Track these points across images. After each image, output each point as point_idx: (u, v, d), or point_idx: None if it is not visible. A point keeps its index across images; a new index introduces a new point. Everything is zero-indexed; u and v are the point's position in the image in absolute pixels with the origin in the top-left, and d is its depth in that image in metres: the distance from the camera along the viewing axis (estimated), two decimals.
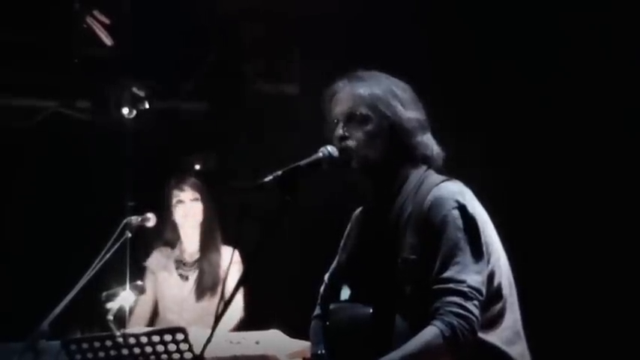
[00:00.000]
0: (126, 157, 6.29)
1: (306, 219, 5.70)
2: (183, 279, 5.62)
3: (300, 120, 4.69)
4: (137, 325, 5.23)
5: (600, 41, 5.50)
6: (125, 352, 3.76)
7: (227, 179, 6.76)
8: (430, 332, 2.99)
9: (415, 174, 3.23)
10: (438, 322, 2.99)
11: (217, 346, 4.05)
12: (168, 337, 3.73)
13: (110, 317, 4.29)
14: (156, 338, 3.75)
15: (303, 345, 4.25)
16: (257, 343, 4.50)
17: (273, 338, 4.57)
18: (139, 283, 4.79)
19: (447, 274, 3.04)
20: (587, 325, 5.44)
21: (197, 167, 6.99)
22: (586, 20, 5.52)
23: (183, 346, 3.72)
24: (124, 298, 4.50)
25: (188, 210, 5.56)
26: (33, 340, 4.18)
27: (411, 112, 3.22)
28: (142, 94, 6.30)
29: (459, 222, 3.08)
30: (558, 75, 5.65)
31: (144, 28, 6.32)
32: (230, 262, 3.37)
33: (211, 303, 5.49)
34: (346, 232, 3.44)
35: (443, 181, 3.18)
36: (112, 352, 3.76)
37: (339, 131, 3.20)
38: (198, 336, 3.50)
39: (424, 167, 3.24)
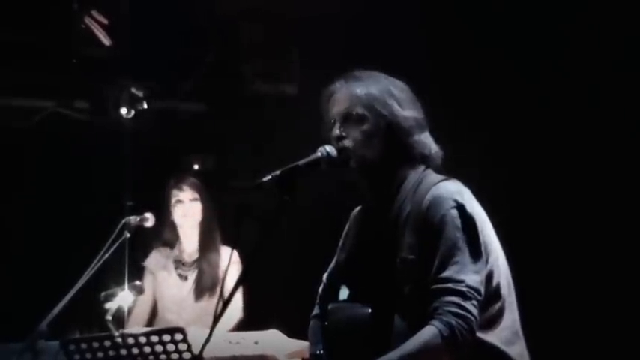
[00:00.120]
0: (124, 157, 6.30)
1: (304, 219, 5.70)
2: (182, 279, 5.62)
3: (299, 120, 4.68)
4: (136, 325, 5.23)
5: (600, 41, 5.50)
6: (124, 352, 3.75)
7: (226, 179, 6.77)
8: (429, 332, 2.99)
9: (414, 173, 3.23)
10: (436, 322, 2.99)
11: (216, 346, 4.05)
12: (166, 337, 3.72)
13: (109, 317, 4.28)
14: (154, 338, 3.74)
15: (301, 345, 4.25)
16: (256, 343, 4.50)
17: (272, 338, 4.57)
18: (138, 283, 4.79)
19: (446, 273, 3.04)
20: (586, 325, 5.44)
21: (196, 167, 6.99)
22: (586, 20, 5.52)
23: (182, 346, 3.72)
24: (122, 298, 4.50)
25: (187, 210, 5.56)
26: (32, 340, 4.17)
27: (408, 112, 3.22)
28: (140, 94, 6.30)
29: (458, 222, 3.08)
30: (558, 74, 5.65)
31: (142, 29, 6.33)
32: (229, 262, 3.35)
33: (210, 303, 5.49)
34: (345, 232, 3.44)
35: (441, 181, 3.18)
36: (111, 352, 3.75)
37: (336, 131, 3.21)
38: (197, 336, 3.49)
39: (422, 167, 3.24)
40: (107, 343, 3.76)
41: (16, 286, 6.54)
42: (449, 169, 3.28)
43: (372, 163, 3.19)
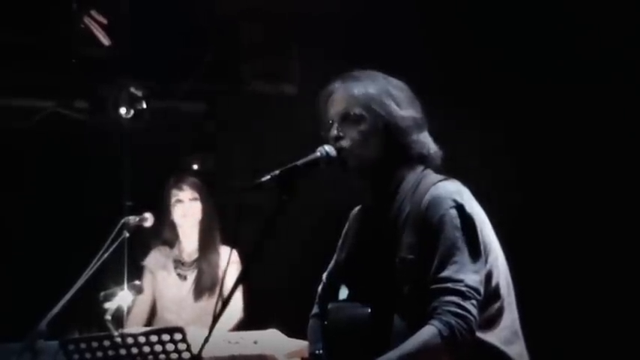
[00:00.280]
0: (124, 156, 6.30)
1: (304, 218, 5.70)
2: (181, 279, 5.62)
3: (299, 120, 4.68)
4: (135, 325, 5.23)
5: (600, 41, 5.49)
6: (123, 352, 3.75)
7: (225, 179, 6.77)
8: (428, 332, 2.99)
9: (412, 173, 3.22)
10: (435, 322, 2.99)
11: (215, 346, 4.06)
12: (166, 337, 3.72)
13: (108, 317, 4.28)
14: (154, 338, 3.74)
15: (301, 344, 4.25)
16: (255, 342, 4.50)
17: (271, 338, 4.57)
18: (137, 282, 4.79)
19: (445, 273, 3.04)
20: (586, 325, 5.44)
21: (195, 167, 6.99)
22: (586, 20, 5.52)
23: (182, 346, 3.72)
24: (121, 297, 4.50)
25: (187, 209, 5.56)
26: (31, 340, 4.17)
27: (406, 111, 3.21)
28: (140, 94, 6.30)
29: (457, 221, 3.08)
30: (558, 74, 5.65)
31: (142, 28, 6.33)
32: (228, 262, 3.36)
33: (210, 303, 5.49)
34: (344, 231, 3.44)
35: (440, 181, 3.18)
36: (110, 352, 3.76)
37: (334, 131, 3.20)
38: (196, 336, 3.49)
39: (421, 166, 3.24)
40: (106, 342, 3.76)
41: (16, 285, 6.53)
42: (448, 169, 3.27)
43: (371, 163, 3.19)
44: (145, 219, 5.12)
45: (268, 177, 3.04)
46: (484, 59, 5.84)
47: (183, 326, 3.99)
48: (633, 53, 5.38)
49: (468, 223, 3.08)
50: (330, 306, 3.28)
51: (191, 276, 5.60)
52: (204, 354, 2.95)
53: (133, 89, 6.31)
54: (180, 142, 7.12)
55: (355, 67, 3.31)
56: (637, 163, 5.40)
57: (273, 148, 6.48)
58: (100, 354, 3.76)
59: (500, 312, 3.14)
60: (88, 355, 3.76)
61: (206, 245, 5.59)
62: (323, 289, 3.46)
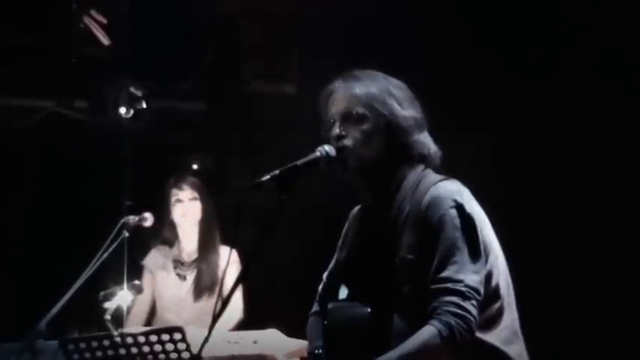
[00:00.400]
0: (124, 156, 6.29)
1: (304, 218, 5.70)
2: (181, 279, 5.61)
3: (299, 120, 4.68)
4: (134, 325, 5.22)
5: (600, 42, 5.49)
6: (123, 351, 3.75)
7: (225, 179, 6.77)
8: (428, 332, 2.99)
9: (413, 173, 3.22)
10: (435, 322, 2.99)
11: (215, 346, 4.05)
12: (165, 337, 3.72)
13: (108, 317, 4.28)
14: (153, 338, 3.73)
15: (301, 344, 4.25)
16: (255, 342, 4.50)
17: (271, 338, 4.56)
18: (137, 282, 4.78)
19: (445, 273, 3.04)
20: (585, 325, 5.43)
21: (195, 167, 6.99)
22: (586, 20, 5.51)
23: (181, 346, 3.71)
24: (121, 297, 4.49)
25: (187, 209, 5.56)
26: (30, 339, 4.17)
27: (407, 111, 3.21)
28: (139, 93, 6.30)
29: (457, 221, 3.08)
30: (558, 74, 5.65)
31: (142, 28, 6.33)
32: (228, 262, 3.35)
33: (209, 303, 5.48)
34: (344, 231, 3.44)
35: (441, 181, 3.18)
36: (110, 352, 3.75)
37: (336, 131, 3.20)
38: (196, 336, 3.49)
39: (422, 166, 3.24)
40: (106, 342, 3.75)
41: (15, 285, 6.53)
42: (448, 169, 3.27)
43: (372, 162, 3.19)
44: (145, 219, 5.11)
45: (268, 177, 3.04)
46: (483, 58, 5.83)
47: (182, 326, 3.98)
48: (634, 53, 5.38)
49: (468, 223, 3.08)
50: (330, 306, 3.28)
51: (190, 276, 5.60)
52: (204, 354, 2.95)
53: (132, 89, 6.30)
54: (180, 142, 7.12)
55: (355, 66, 3.31)
56: (636, 164, 5.40)
57: (272, 148, 6.48)
58: (99, 354, 3.75)
59: (500, 312, 3.14)
60: (87, 355, 3.75)
61: (206, 245, 5.59)
62: (323, 288, 3.46)
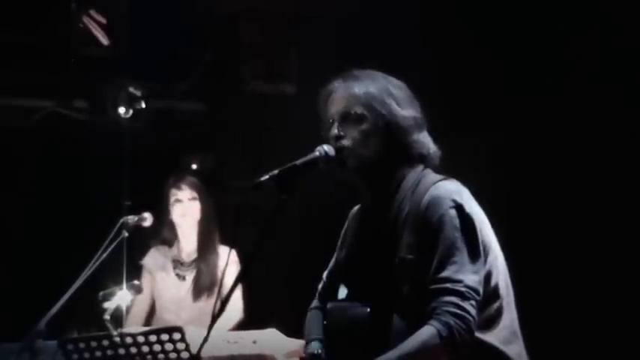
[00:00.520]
0: (123, 156, 6.29)
1: (303, 217, 5.70)
2: (180, 279, 5.61)
3: (298, 120, 4.68)
4: (133, 325, 5.22)
5: (600, 42, 5.49)
6: (122, 351, 3.75)
7: (224, 179, 6.77)
8: (427, 332, 2.99)
9: (412, 173, 3.22)
10: (434, 322, 2.99)
11: (214, 346, 4.05)
12: (165, 337, 3.72)
13: (107, 317, 4.28)
14: (153, 338, 3.73)
15: (300, 344, 4.22)
16: (254, 342, 4.49)
17: (270, 337, 4.56)
18: (136, 282, 4.78)
19: (444, 273, 3.04)
20: (584, 325, 5.43)
21: (194, 167, 6.99)
22: (587, 20, 5.51)
23: (180, 346, 3.71)
24: (121, 297, 4.49)
25: (186, 209, 5.56)
26: (30, 339, 4.17)
27: (406, 111, 3.21)
28: (139, 93, 6.30)
29: (456, 221, 3.08)
30: (558, 74, 5.65)
31: (141, 28, 6.33)
32: (227, 262, 3.36)
33: (208, 303, 5.48)
34: (343, 231, 3.44)
35: (440, 180, 3.18)
36: (109, 352, 3.75)
37: (335, 130, 3.20)
38: (195, 335, 3.49)
39: (421, 166, 3.24)
40: (105, 342, 3.75)
41: (15, 285, 6.53)
42: (448, 169, 3.27)
43: (371, 162, 3.19)
44: (144, 219, 5.11)
45: (267, 177, 3.04)
46: (483, 58, 5.83)
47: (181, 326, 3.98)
48: (634, 53, 5.38)
49: (467, 223, 3.08)
50: (329, 305, 3.28)
51: (190, 276, 5.60)
52: (203, 354, 2.95)
53: (132, 89, 6.30)
54: (180, 142, 7.12)
55: (354, 66, 3.31)
56: (636, 164, 5.40)
57: (272, 148, 6.48)
58: (98, 354, 3.75)
59: (499, 312, 3.14)
60: (86, 355, 3.75)
61: (205, 245, 5.58)
62: (323, 287, 3.46)
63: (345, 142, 3.18)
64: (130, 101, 6.29)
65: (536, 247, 5.50)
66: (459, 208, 3.09)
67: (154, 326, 5.38)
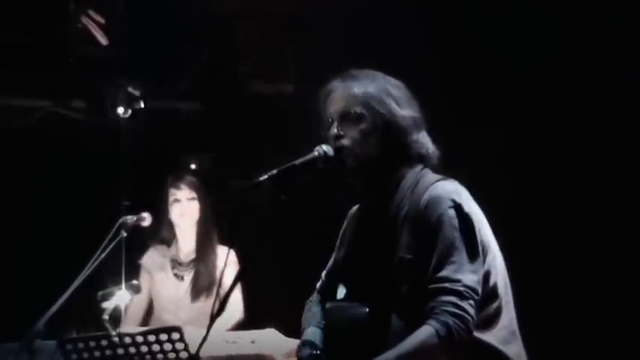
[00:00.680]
0: (121, 156, 6.29)
1: (302, 217, 5.70)
2: (178, 279, 5.61)
3: (295, 119, 4.68)
4: (131, 325, 5.22)
5: (600, 42, 5.49)
6: (121, 351, 3.75)
7: (223, 178, 6.76)
8: (425, 331, 2.99)
9: (411, 173, 3.22)
10: (433, 322, 2.99)
11: (213, 346, 4.05)
12: (163, 337, 3.72)
13: (106, 317, 4.28)
14: (152, 338, 3.73)
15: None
16: (253, 342, 4.50)
17: (269, 337, 4.57)
18: (135, 282, 4.78)
19: (443, 273, 3.04)
20: (583, 325, 5.44)
21: (193, 166, 6.99)
22: (587, 20, 5.52)
23: (179, 346, 3.71)
24: (119, 297, 4.49)
25: (185, 209, 5.55)
26: (29, 339, 4.17)
27: (405, 110, 3.21)
28: (137, 93, 6.30)
29: (455, 221, 3.08)
30: (558, 74, 5.65)
31: (139, 28, 6.33)
32: (226, 262, 3.35)
33: (207, 303, 5.47)
34: (342, 230, 3.44)
35: (439, 180, 3.18)
36: (108, 352, 3.75)
37: (334, 130, 3.20)
38: (194, 335, 3.49)
39: (420, 166, 3.24)
40: (104, 342, 3.75)
41: (14, 284, 6.53)
42: (447, 169, 3.27)
43: (370, 161, 3.19)
44: (143, 218, 5.10)
45: (266, 176, 3.04)
46: (482, 58, 5.83)
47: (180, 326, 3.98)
48: (635, 54, 5.39)
49: (466, 222, 3.08)
50: (328, 305, 3.29)
51: (188, 276, 5.59)
52: (202, 354, 2.95)
53: (130, 89, 6.31)
54: (178, 142, 7.12)
55: (352, 66, 3.31)
56: (636, 164, 5.40)
57: (270, 148, 6.48)
58: (97, 354, 3.75)
59: (498, 312, 3.14)
60: (85, 355, 3.75)
61: (203, 245, 5.58)
62: (322, 286, 3.47)
63: (344, 142, 3.18)
64: (129, 101, 6.30)
65: (535, 246, 5.51)
66: (458, 207, 3.10)
67: (153, 326, 5.38)
